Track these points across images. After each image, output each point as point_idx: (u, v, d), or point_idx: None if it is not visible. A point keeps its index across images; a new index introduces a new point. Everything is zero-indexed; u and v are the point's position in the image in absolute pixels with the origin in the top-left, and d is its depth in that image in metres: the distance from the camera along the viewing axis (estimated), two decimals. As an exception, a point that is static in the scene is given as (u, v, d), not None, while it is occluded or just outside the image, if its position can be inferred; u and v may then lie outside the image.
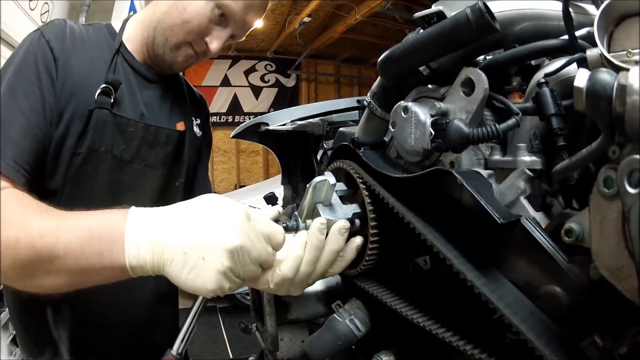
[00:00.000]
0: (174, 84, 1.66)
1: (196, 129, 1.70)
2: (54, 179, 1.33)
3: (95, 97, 1.34)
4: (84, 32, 1.43)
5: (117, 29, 1.51)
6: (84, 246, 0.88)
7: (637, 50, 0.83)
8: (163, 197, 1.55)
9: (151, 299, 1.58)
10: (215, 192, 1.89)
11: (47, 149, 1.29)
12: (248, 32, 1.59)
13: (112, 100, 1.37)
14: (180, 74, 1.71)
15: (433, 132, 1.03)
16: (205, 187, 1.82)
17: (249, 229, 0.88)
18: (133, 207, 0.92)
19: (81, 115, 1.33)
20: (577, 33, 1.02)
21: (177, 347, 0.96)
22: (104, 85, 1.36)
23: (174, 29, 1.43)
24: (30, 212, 0.98)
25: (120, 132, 1.40)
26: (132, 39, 1.51)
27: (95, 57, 1.41)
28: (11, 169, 1.16)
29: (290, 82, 13.21)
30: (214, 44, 1.47)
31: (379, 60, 1.20)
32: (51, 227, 0.91)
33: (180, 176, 1.61)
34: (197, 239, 0.85)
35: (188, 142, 1.62)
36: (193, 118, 1.70)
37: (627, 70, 0.65)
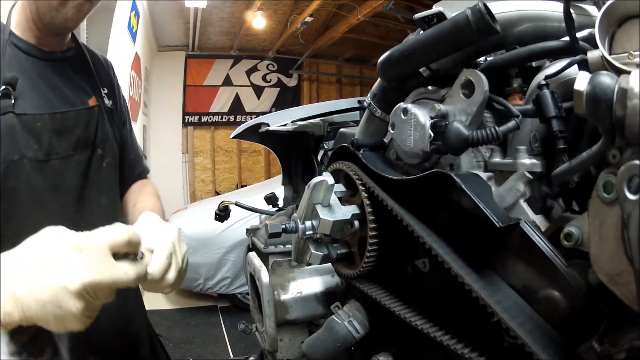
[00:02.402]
0: (76, 56, 1.53)
1: (106, 100, 1.56)
2: None
3: None
4: None
5: (4, 21, 1.38)
6: None
7: (638, 52, 0.82)
8: (93, 184, 1.44)
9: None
10: (145, 162, 1.75)
11: None
12: None
13: (13, 101, 1.26)
14: (82, 42, 1.57)
15: (432, 134, 1.02)
16: (133, 160, 1.70)
17: (84, 261, 0.82)
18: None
19: None
20: (579, 34, 1.01)
21: None
22: (2, 88, 1.24)
23: None
24: None
25: (29, 132, 1.29)
26: (19, 23, 1.37)
27: None
28: None
29: (292, 82, 13.18)
30: None
31: (378, 61, 1.20)
32: None
33: (106, 156, 1.49)
34: (46, 288, 0.79)
35: (102, 116, 1.49)
36: (101, 88, 1.56)
37: (628, 73, 0.65)
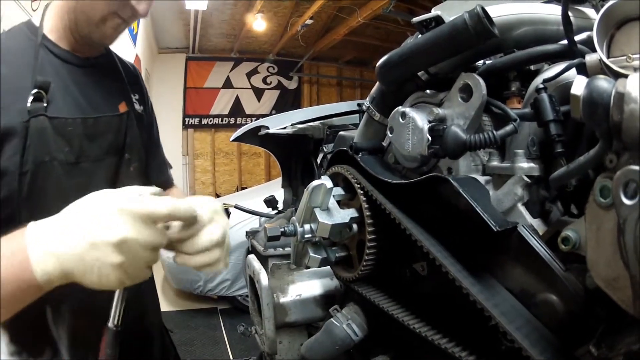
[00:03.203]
0: (107, 63, 1.57)
1: (137, 106, 1.60)
2: (8, 205, 1.26)
3: (28, 105, 1.26)
4: (3, 42, 1.33)
5: (37, 23, 1.40)
6: None
7: (637, 56, 0.82)
8: (117, 186, 1.45)
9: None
10: (170, 168, 1.81)
11: None
12: None
13: (45, 104, 1.29)
14: (111, 48, 1.60)
15: (430, 138, 1.02)
16: (159, 166, 1.75)
17: (129, 217, 0.85)
18: (31, 222, 0.89)
19: (15, 130, 1.25)
20: (577, 37, 1.01)
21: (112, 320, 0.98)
22: (34, 91, 1.27)
23: (94, 5, 1.32)
24: None
25: (61, 135, 1.32)
26: (55, 29, 1.40)
27: (19, 62, 1.32)
28: None
29: (292, 85, 13.19)
30: (141, 5, 1.36)
31: (377, 65, 1.20)
32: None
33: (133, 160, 1.52)
34: (86, 241, 0.82)
35: (132, 122, 1.53)
36: (132, 95, 1.60)
37: (626, 77, 0.65)
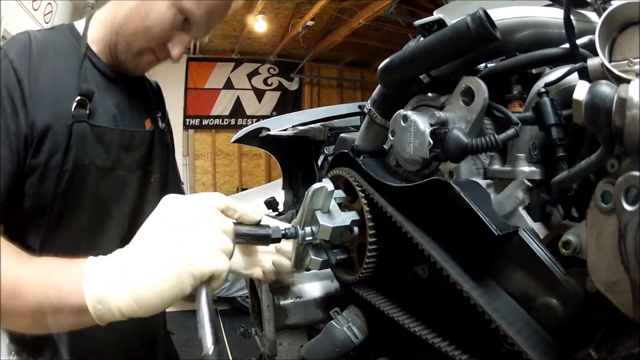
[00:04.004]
0: (139, 81, 1.65)
1: (160, 123, 1.69)
2: (39, 197, 1.31)
3: (72, 110, 1.32)
4: (48, 40, 1.40)
5: (80, 30, 1.48)
6: (44, 281, 0.86)
7: (638, 60, 0.82)
8: (141, 196, 1.55)
9: None
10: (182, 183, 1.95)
11: (21, 177, 1.28)
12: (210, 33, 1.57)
13: (87, 112, 1.36)
14: None
15: (432, 142, 1.02)
16: (175, 179, 1.83)
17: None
18: (91, 258, 0.87)
19: (60, 131, 1.31)
20: (579, 41, 1.01)
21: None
22: (78, 98, 1.34)
23: (135, 36, 1.40)
24: (9, 254, 0.96)
25: (99, 142, 1.39)
26: (96, 41, 1.48)
27: (62, 64, 1.38)
28: None
29: (293, 86, 13.21)
30: (176, 50, 1.45)
31: (379, 68, 1.20)
32: (16, 265, 0.91)
33: (154, 172, 1.60)
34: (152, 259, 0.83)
35: (157, 138, 1.61)
36: (157, 113, 1.69)
37: (628, 81, 0.65)
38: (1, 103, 1.24)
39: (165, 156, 1.71)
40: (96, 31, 1.48)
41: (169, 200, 0.89)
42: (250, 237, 1.01)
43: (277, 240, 1.11)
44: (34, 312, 0.87)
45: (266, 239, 1.04)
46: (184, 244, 0.82)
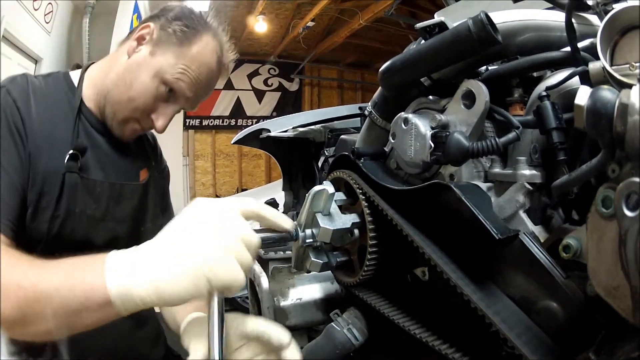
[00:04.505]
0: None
1: (155, 172, 1.70)
2: (33, 238, 1.32)
3: (65, 162, 1.34)
4: (44, 87, 1.41)
5: (75, 80, 1.49)
6: (67, 280, 0.87)
7: (639, 64, 0.82)
8: (133, 244, 1.54)
9: None
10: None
11: (26, 208, 1.30)
12: (198, 105, 1.56)
13: (79, 165, 1.36)
14: None
15: (433, 145, 1.02)
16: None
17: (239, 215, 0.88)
18: (112, 252, 0.89)
19: (53, 178, 1.33)
20: (580, 44, 1.01)
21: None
22: (72, 151, 1.35)
23: (120, 105, 1.41)
24: (16, 260, 0.98)
25: (89, 194, 1.40)
26: (89, 98, 1.48)
27: (57, 113, 1.39)
28: (5, 227, 1.19)
29: (293, 87, 13.20)
30: (160, 122, 1.44)
31: (380, 70, 1.20)
32: (35, 268, 0.93)
33: (145, 222, 1.61)
34: (177, 254, 0.83)
35: (151, 189, 1.63)
36: (152, 162, 1.70)
37: (629, 86, 0.65)
38: (14, 134, 1.27)
39: (160, 203, 1.73)
40: (89, 87, 1.48)
41: (200, 203, 0.89)
42: (274, 241, 1.01)
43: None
44: (57, 312, 0.88)
45: (289, 240, 1.05)
46: (205, 248, 0.82)
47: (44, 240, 1.34)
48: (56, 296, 0.87)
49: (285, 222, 0.97)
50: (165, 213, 1.78)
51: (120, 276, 0.84)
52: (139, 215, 1.58)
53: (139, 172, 1.60)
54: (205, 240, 0.83)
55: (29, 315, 0.89)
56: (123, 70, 1.41)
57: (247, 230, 0.87)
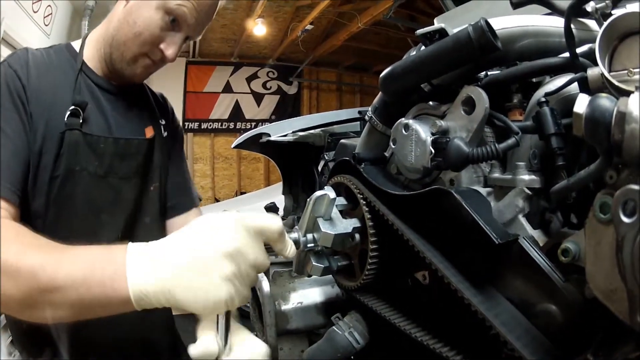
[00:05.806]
0: (138, 91, 1.68)
1: (163, 131, 1.71)
2: (35, 201, 1.35)
3: (65, 119, 1.37)
4: (45, 57, 1.45)
5: (77, 48, 1.53)
6: (86, 276, 0.89)
7: (638, 70, 0.83)
8: (140, 204, 1.57)
9: None
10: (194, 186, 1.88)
11: (29, 172, 1.33)
12: (203, 32, 1.58)
13: (80, 121, 1.39)
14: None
15: (433, 151, 1.03)
16: (180, 184, 1.79)
17: (243, 230, 0.88)
18: (131, 243, 0.92)
19: (53, 137, 1.35)
20: (579, 49, 1.02)
21: None
22: (72, 107, 1.38)
23: (127, 44, 1.43)
24: (29, 244, 0.97)
25: (92, 150, 1.42)
26: (92, 57, 1.52)
27: (59, 79, 1.43)
28: (7, 190, 1.21)
29: (292, 90, 13.21)
30: (169, 50, 1.46)
31: (380, 76, 1.21)
32: (52, 259, 0.92)
33: (154, 180, 1.62)
34: (195, 256, 0.84)
35: (158, 146, 1.63)
36: (160, 120, 1.71)
37: (627, 93, 0.66)
38: (16, 102, 1.31)
39: (166, 163, 1.72)
40: (91, 48, 1.53)
41: (226, 216, 0.90)
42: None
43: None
44: (73, 305, 0.90)
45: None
46: (215, 262, 0.84)
47: (44, 206, 1.36)
48: (73, 292, 0.88)
49: (290, 251, 1.00)
50: (179, 171, 1.79)
51: (140, 284, 0.85)
52: (145, 172, 1.59)
53: (144, 129, 1.61)
54: (217, 257, 0.85)
55: (39, 302, 0.90)
56: (124, 14, 1.43)
57: (259, 254, 0.90)
